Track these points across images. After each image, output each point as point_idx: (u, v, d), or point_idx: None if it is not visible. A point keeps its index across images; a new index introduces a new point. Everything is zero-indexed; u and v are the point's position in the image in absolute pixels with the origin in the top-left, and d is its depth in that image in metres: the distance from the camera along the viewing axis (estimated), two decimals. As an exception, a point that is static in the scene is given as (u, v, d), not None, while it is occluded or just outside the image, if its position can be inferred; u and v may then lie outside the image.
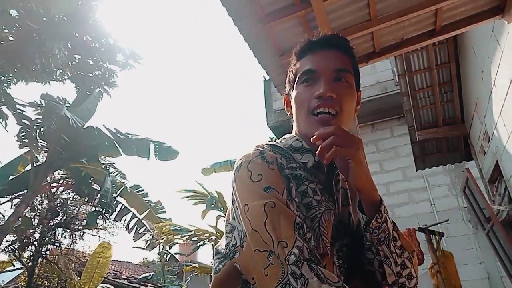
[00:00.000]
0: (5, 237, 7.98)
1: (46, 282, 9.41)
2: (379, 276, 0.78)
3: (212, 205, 7.18)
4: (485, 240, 4.12)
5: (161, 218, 9.85)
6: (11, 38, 6.79)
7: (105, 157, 9.45)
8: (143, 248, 11.10)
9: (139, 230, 9.80)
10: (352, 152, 0.71)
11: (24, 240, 8.87)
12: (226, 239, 0.79)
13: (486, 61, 3.16)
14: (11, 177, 8.37)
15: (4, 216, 9.04)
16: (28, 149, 8.14)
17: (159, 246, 10.78)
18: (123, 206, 9.75)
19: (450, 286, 3.61)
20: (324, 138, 0.70)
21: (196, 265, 7.74)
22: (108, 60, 8.09)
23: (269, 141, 0.88)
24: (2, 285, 11.80)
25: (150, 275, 13.24)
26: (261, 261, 0.63)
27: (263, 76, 7.91)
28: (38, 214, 9.40)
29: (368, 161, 4.17)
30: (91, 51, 7.74)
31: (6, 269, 10.34)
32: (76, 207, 10.11)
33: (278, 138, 0.93)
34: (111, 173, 9.47)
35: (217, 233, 6.54)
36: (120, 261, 16.17)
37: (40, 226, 9.29)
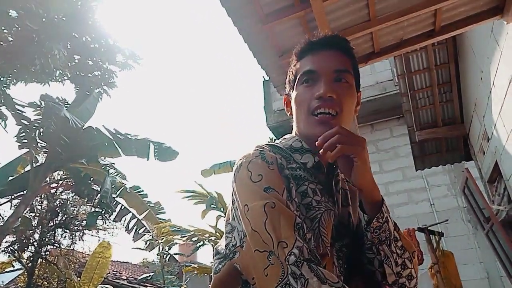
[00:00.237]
0: (5, 237, 7.97)
1: (45, 282, 9.40)
2: (379, 276, 0.78)
3: (212, 205, 7.18)
4: (484, 240, 4.12)
5: (160, 219, 9.85)
6: (10, 39, 6.79)
7: (104, 158, 9.45)
8: (143, 249, 11.10)
9: (138, 230, 9.80)
10: (358, 151, 0.71)
11: (24, 241, 8.85)
12: (226, 239, 0.79)
13: (485, 61, 3.16)
14: (10, 178, 8.36)
15: (3, 217, 9.02)
16: (28, 150, 8.13)
17: (159, 247, 10.78)
18: (123, 207, 9.74)
19: (451, 285, 3.61)
20: (329, 139, 0.70)
21: (195, 266, 7.73)
22: (108, 61, 8.09)
23: (269, 142, 0.88)
24: (2, 285, 11.79)
25: (149, 275, 13.25)
26: (261, 262, 0.63)
27: (263, 77, 7.92)
28: (37, 214, 9.39)
29: (368, 161, 4.16)
30: (90, 52, 7.75)
31: (6, 270, 10.33)
32: (76, 207, 10.10)
33: (278, 139, 0.93)
34: (110, 173, 9.46)
35: (217, 233, 6.54)
36: (119, 261, 16.16)
37: (40, 226, 9.27)
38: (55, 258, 9.43)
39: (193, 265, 8.11)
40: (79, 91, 8.79)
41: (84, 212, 10.10)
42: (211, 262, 0.90)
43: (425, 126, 4.54)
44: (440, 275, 3.58)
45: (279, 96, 5.47)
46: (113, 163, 9.98)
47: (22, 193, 8.43)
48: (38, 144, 8.43)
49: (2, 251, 8.83)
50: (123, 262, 16.57)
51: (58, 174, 9.65)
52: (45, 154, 8.79)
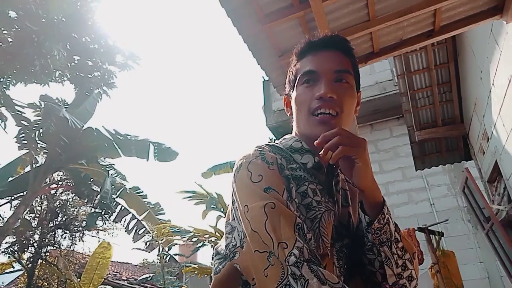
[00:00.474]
0: (5, 238, 7.96)
1: (46, 283, 9.40)
2: (380, 277, 0.78)
3: (213, 206, 7.18)
4: (484, 239, 4.12)
5: (160, 220, 9.86)
6: (10, 40, 6.79)
7: (104, 158, 9.46)
8: (143, 249, 11.09)
9: (138, 231, 9.80)
10: (360, 152, 0.71)
11: (24, 242, 8.85)
12: (226, 240, 0.79)
13: (485, 61, 3.16)
14: (10, 179, 8.36)
15: (3, 218, 9.02)
16: (27, 151, 8.13)
17: (159, 247, 10.78)
18: (123, 207, 9.75)
19: (452, 285, 3.61)
20: (329, 140, 0.70)
21: (196, 266, 7.72)
22: (107, 61, 8.10)
23: (269, 142, 0.88)
24: (2, 286, 11.78)
25: (150, 276, 13.22)
26: (261, 262, 0.63)
27: (263, 77, 7.91)
28: (37, 215, 9.39)
29: (368, 161, 4.15)
30: (90, 52, 7.75)
31: (6, 271, 10.32)
32: (76, 208, 10.10)
33: (278, 139, 0.93)
34: (110, 174, 9.47)
35: (217, 234, 6.54)
36: (120, 262, 16.15)
37: (40, 227, 9.27)
38: (55, 259, 9.43)
39: (193, 265, 8.10)
40: (78, 91, 8.79)
41: (84, 212, 10.11)
42: (211, 263, 0.89)
43: (425, 126, 4.54)
44: (441, 275, 3.57)
45: (279, 96, 5.46)
46: (113, 164, 9.99)
47: (22, 194, 8.43)
48: (38, 145, 8.43)
49: (2, 252, 8.84)
50: (123, 262, 16.57)
51: (58, 175, 9.66)
52: (45, 155, 8.79)
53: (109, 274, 11.44)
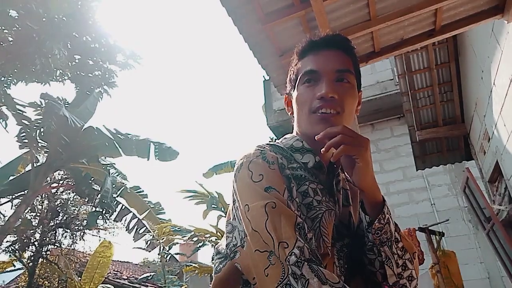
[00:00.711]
0: (6, 237, 7.99)
1: (46, 282, 9.41)
2: (380, 277, 0.78)
3: (213, 205, 7.20)
4: (485, 239, 4.11)
5: (160, 219, 9.88)
6: (11, 39, 6.79)
7: (105, 158, 9.47)
8: (144, 249, 11.12)
9: (139, 230, 9.82)
10: (361, 152, 0.71)
11: (25, 241, 8.87)
12: (226, 239, 0.79)
13: (486, 60, 3.16)
14: (11, 178, 8.39)
15: (4, 217, 9.04)
16: (28, 150, 8.15)
17: (160, 247, 10.80)
18: (123, 207, 9.77)
19: (452, 285, 3.61)
20: (331, 137, 0.70)
21: (196, 265, 7.74)
22: (108, 60, 8.10)
23: (269, 141, 0.88)
24: (3, 285, 11.81)
25: (150, 275, 13.26)
26: (262, 262, 0.63)
27: (263, 76, 7.91)
28: (38, 214, 9.40)
29: (368, 161, 4.15)
30: (91, 51, 7.76)
31: (7, 270, 10.36)
32: (77, 207, 10.11)
33: (279, 138, 0.93)
34: (111, 173, 9.48)
35: (218, 233, 6.54)
36: (120, 261, 16.18)
37: (41, 226, 9.29)
38: (56, 257, 9.44)
39: (193, 265, 8.12)
40: (79, 90, 8.80)
41: (84, 211, 10.12)
42: (212, 262, 0.89)
43: (425, 125, 4.53)
44: (441, 275, 3.57)
45: (279, 95, 5.46)
46: (114, 163, 10.01)
47: (22, 193, 8.46)
48: (39, 144, 8.45)
49: (3, 251, 8.85)
50: (124, 261, 16.59)
51: (58, 174, 9.67)
52: (46, 154, 8.81)
53: (110, 273, 11.46)
